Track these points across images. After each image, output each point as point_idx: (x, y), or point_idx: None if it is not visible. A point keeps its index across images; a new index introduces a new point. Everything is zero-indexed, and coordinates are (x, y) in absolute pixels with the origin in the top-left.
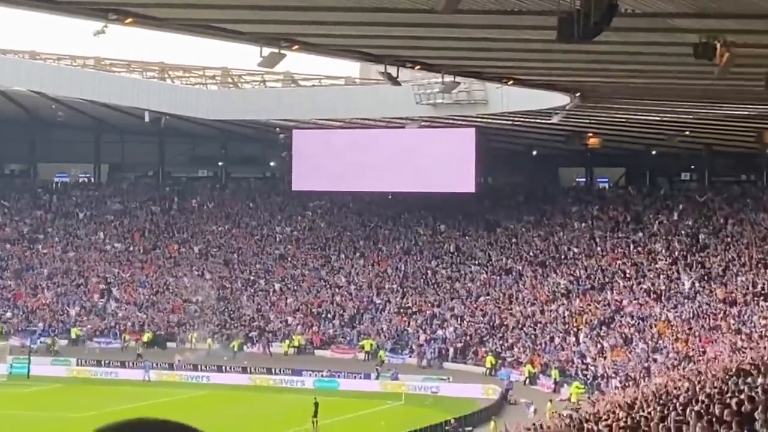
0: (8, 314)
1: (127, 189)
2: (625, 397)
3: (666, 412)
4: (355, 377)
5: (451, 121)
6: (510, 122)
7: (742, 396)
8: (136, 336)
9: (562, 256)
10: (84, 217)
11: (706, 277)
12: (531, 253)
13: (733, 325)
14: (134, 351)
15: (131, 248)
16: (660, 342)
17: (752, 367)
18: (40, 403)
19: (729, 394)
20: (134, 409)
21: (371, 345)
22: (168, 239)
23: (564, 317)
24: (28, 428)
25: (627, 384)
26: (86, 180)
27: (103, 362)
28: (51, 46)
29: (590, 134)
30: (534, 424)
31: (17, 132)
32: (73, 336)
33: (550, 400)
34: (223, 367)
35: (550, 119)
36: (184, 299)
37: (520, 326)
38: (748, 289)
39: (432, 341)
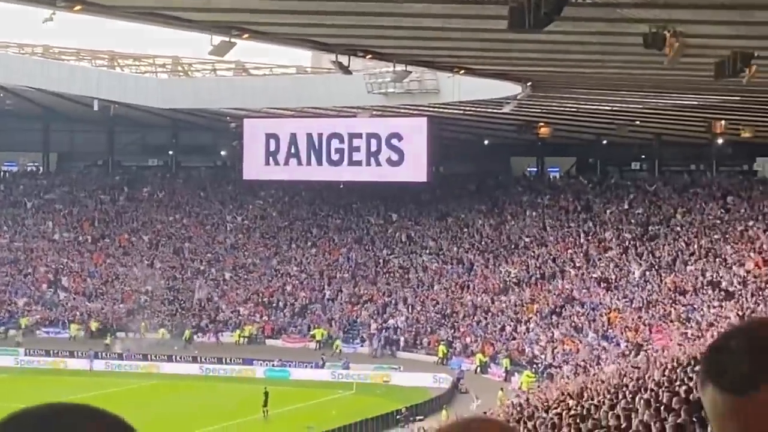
0: None
1: (76, 178)
2: (575, 385)
3: (615, 400)
4: (306, 366)
5: (402, 111)
6: (462, 112)
7: (691, 384)
8: (85, 326)
9: (514, 246)
10: (32, 207)
11: (655, 267)
12: (482, 243)
13: (683, 314)
14: (82, 341)
15: (80, 238)
16: (610, 331)
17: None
18: None
19: (678, 383)
20: (82, 399)
21: (323, 334)
22: (117, 229)
23: (515, 306)
24: None
25: (577, 372)
26: (34, 169)
27: (51, 352)
28: None
29: (541, 124)
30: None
31: None
32: (22, 326)
33: (501, 389)
34: (174, 357)
35: (501, 109)
36: (134, 289)
37: (471, 315)
38: (697, 278)
39: (383, 330)
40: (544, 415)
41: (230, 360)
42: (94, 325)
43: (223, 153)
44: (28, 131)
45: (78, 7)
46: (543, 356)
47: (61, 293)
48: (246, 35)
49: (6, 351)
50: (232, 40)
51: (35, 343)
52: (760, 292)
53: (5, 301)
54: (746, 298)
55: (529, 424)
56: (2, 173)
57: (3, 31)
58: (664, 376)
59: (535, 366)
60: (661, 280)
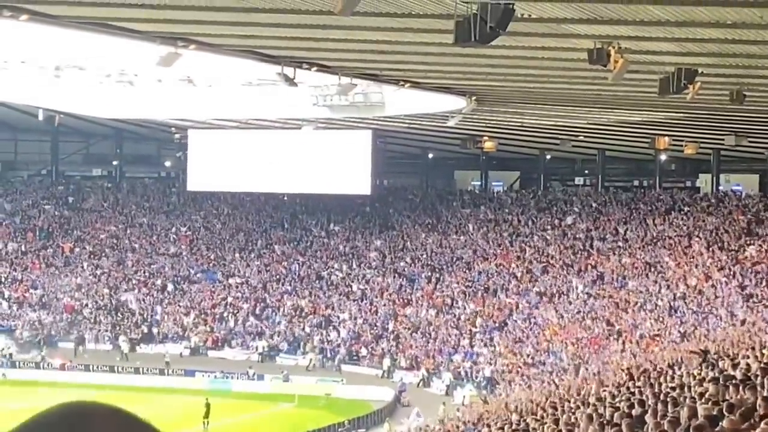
0: None
1: (19, 188)
2: (518, 400)
3: (558, 415)
4: (248, 378)
5: (347, 123)
6: (406, 125)
7: (633, 399)
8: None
9: (457, 259)
10: None
11: (598, 281)
12: (425, 256)
13: (625, 329)
14: (26, 349)
15: (23, 247)
16: (552, 345)
17: (642, 371)
18: None
19: (620, 398)
20: (21, 410)
21: (264, 347)
22: (61, 238)
23: (458, 320)
24: None
25: (520, 387)
26: None
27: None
28: None
29: (485, 138)
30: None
31: None
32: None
33: (443, 403)
34: (115, 368)
35: (446, 123)
36: (77, 299)
37: (414, 329)
38: (639, 293)
39: (326, 343)
40: (486, 430)
41: (172, 371)
42: (25, 335)
43: (167, 164)
44: None
45: (24, 17)
46: (485, 370)
47: (3, 303)
48: (192, 46)
49: None
50: (178, 51)
51: None
52: (702, 308)
53: None
54: (688, 314)
55: None
56: None
57: None
58: (606, 391)
59: (477, 380)
60: (603, 295)
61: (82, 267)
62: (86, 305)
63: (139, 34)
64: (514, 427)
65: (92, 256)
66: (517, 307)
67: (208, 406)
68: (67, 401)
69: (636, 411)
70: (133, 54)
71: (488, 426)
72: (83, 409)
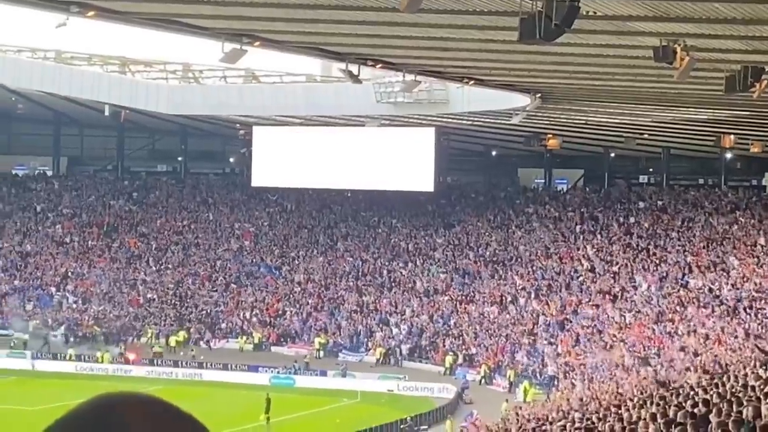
0: None
1: (85, 183)
2: (580, 397)
3: (620, 413)
4: (311, 374)
5: (410, 120)
6: (470, 122)
7: (697, 398)
8: (92, 330)
9: (520, 257)
10: (42, 210)
11: (662, 280)
12: (489, 253)
13: (689, 327)
14: (92, 344)
15: (89, 242)
16: (615, 343)
17: (707, 370)
18: None
19: (684, 396)
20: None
21: (321, 344)
22: (126, 233)
23: (520, 317)
24: None
25: (582, 385)
26: (45, 173)
27: (59, 356)
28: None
29: (550, 135)
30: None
31: None
32: (30, 329)
33: (506, 400)
34: (179, 363)
35: (510, 120)
36: (142, 294)
37: (476, 326)
38: (703, 292)
39: (388, 339)
40: (549, 427)
41: (235, 366)
42: (95, 330)
43: (231, 160)
44: (40, 135)
45: (91, 13)
46: (548, 368)
47: (69, 297)
48: (257, 43)
49: (14, 353)
50: (244, 47)
51: (44, 345)
52: (766, 308)
53: (14, 304)
54: (752, 314)
55: None
56: (13, 176)
57: (16, 35)
58: (669, 389)
59: (539, 378)
60: (667, 294)
61: (147, 262)
62: (151, 300)
63: (205, 30)
64: (576, 425)
65: (157, 251)
66: (580, 304)
67: (269, 401)
68: (101, 393)
69: (700, 410)
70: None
71: (551, 423)
72: (116, 400)
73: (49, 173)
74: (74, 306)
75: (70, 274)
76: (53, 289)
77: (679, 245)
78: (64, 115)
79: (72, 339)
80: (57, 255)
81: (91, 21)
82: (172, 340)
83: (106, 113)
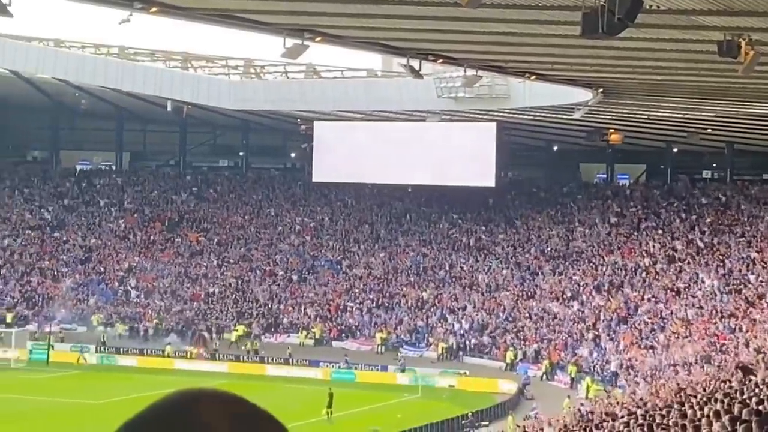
0: (29, 301)
1: (148, 178)
2: (643, 394)
3: (683, 410)
4: (372, 369)
5: (472, 115)
6: (531, 117)
7: (762, 396)
8: (155, 324)
9: (582, 252)
10: (105, 205)
11: (725, 276)
12: (550, 249)
13: (752, 324)
14: (154, 338)
15: (152, 237)
16: (678, 340)
17: None
18: (58, 389)
19: (749, 394)
20: (152, 396)
21: (383, 339)
22: (188, 228)
23: (582, 313)
24: (46, 414)
25: (644, 381)
26: (108, 168)
27: (121, 350)
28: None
29: (612, 130)
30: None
31: (41, 119)
32: (93, 323)
33: (568, 396)
34: (241, 357)
35: (571, 115)
36: (203, 288)
37: (538, 321)
38: (767, 288)
39: (449, 335)
40: (612, 423)
41: (296, 361)
42: (156, 323)
43: (293, 155)
44: (103, 131)
45: (154, 9)
46: (610, 364)
47: (132, 291)
48: (318, 38)
49: (77, 348)
50: (305, 42)
51: (107, 339)
52: None
53: (78, 298)
54: None
55: None
56: (77, 172)
57: (80, 31)
58: (734, 386)
59: (601, 374)
60: (730, 290)
61: (209, 257)
62: (212, 295)
63: (266, 26)
64: (639, 421)
65: (218, 246)
66: (643, 300)
67: (331, 395)
68: (180, 389)
69: (765, 407)
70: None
71: (613, 420)
72: (196, 397)
73: (112, 168)
74: (137, 300)
75: (132, 268)
76: (116, 284)
77: (743, 241)
78: (127, 110)
79: (135, 333)
80: (120, 249)
81: (154, 17)
82: (233, 335)
83: (169, 108)
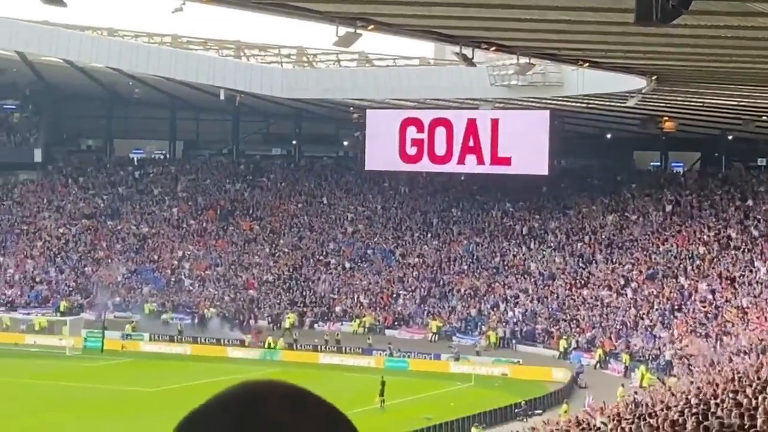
0: (83, 289)
1: (201, 166)
2: (697, 382)
3: (738, 399)
4: (425, 357)
5: (525, 103)
6: (585, 105)
7: None
8: (208, 312)
9: (635, 240)
10: (158, 194)
11: None
12: (604, 237)
13: None
14: (208, 326)
15: (205, 225)
16: (732, 328)
17: None
18: (112, 377)
19: None
20: (206, 384)
21: (438, 327)
22: (241, 216)
23: (636, 301)
24: (101, 402)
25: (699, 370)
26: (161, 157)
27: (175, 338)
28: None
29: (666, 118)
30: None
31: (94, 108)
32: (146, 312)
33: (622, 385)
34: (294, 345)
35: (625, 102)
36: (257, 276)
37: (591, 309)
38: None
39: (502, 323)
40: (666, 412)
41: (349, 349)
42: (210, 312)
43: (345, 143)
44: (156, 119)
45: None
46: (664, 352)
47: (185, 280)
48: (371, 26)
49: (131, 336)
50: (358, 31)
51: (160, 327)
52: None
53: (131, 286)
54: None
55: (651, 421)
56: (130, 160)
57: (133, 20)
58: None
59: (655, 362)
60: None
61: (262, 245)
62: (265, 283)
63: (319, 14)
64: (694, 410)
65: (271, 234)
66: (697, 289)
67: (383, 384)
68: (245, 381)
69: None
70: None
71: (668, 408)
72: (261, 388)
73: (166, 157)
74: (190, 289)
75: (186, 256)
76: (169, 272)
77: None
78: (180, 99)
79: (188, 321)
80: (173, 238)
81: (207, 6)
82: (286, 323)
83: (221, 97)
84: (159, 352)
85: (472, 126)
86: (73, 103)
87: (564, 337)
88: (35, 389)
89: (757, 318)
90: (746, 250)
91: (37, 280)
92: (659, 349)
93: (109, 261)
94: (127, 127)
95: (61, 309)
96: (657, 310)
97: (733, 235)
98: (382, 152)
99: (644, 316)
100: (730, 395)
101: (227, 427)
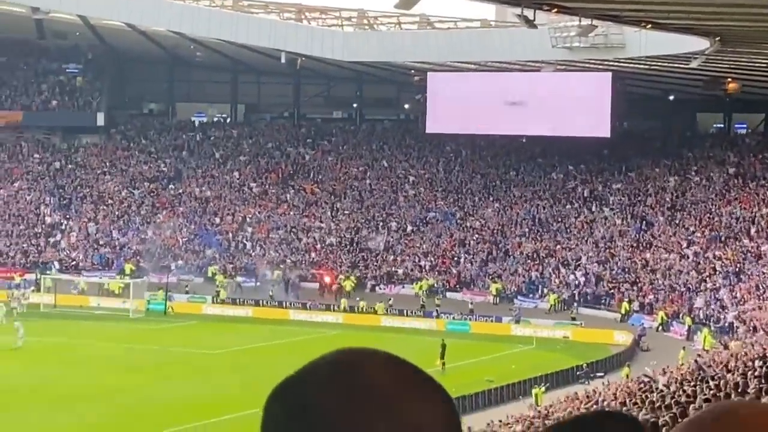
0: (146, 252)
1: (262, 130)
2: (760, 346)
3: None
4: (486, 320)
5: (587, 65)
6: (647, 66)
7: None
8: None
9: (698, 203)
10: (220, 157)
11: None
12: (666, 199)
13: None
14: (270, 289)
15: (266, 188)
16: None
17: None
18: (176, 340)
19: None
20: (268, 347)
21: (498, 289)
22: (302, 180)
23: (698, 264)
24: (164, 364)
25: (762, 333)
26: (223, 120)
27: (237, 300)
28: None
29: (729, 79)
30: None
31: (156, 72)
32: (209, 275)
33: (683, 348)
34: (355, 308)
35: (688, 64)
36: (318, 239)
37: (653, 272)
38: None
39: (564, 286)
40: (728, 375)
41: (411, 312)
42: (276, 275)
43: (406, 106)
44: (217, 83)
45: None
46: (726, 315)
47: (247, 243)
48: None
49: (194, 298)
50: None
51: (222, 290)
52: None
53: (194, 249)
54: None
55: (712, 384)
56: (192, 124)
57: None
58: None
59: (717, 326)
60: None
61: (323, 208)
62: (327, 246)
63: None
64: (757, 372)
65: (333, 197)
66: (760, 251)
67: (444, 346)
68: (340, 349)
69: None
70: None
71: (730, 372)
72: (357, 356)
73: (227, 121)
74: (252, 252)
75: (247, 219)
76: (231, 235)
77: None
78: (242, 62)
79: (250, 284)
80: (235, 201)
81: None
82: (346, 285)
83: (283, 61)
84: (221, 315)
85: (533, 88)
86: (136, 66)
87: (626, 299)
88: (102, 352)
89: None
90: None
91: (101, 243)
92: (722, 311)
93: (171, 224)
94: (189, 90)
95: (126, 272)
96: (720, 272)
97: None
98: (442, 115)
99: (707, 278)
100: None
101: (324, 392)
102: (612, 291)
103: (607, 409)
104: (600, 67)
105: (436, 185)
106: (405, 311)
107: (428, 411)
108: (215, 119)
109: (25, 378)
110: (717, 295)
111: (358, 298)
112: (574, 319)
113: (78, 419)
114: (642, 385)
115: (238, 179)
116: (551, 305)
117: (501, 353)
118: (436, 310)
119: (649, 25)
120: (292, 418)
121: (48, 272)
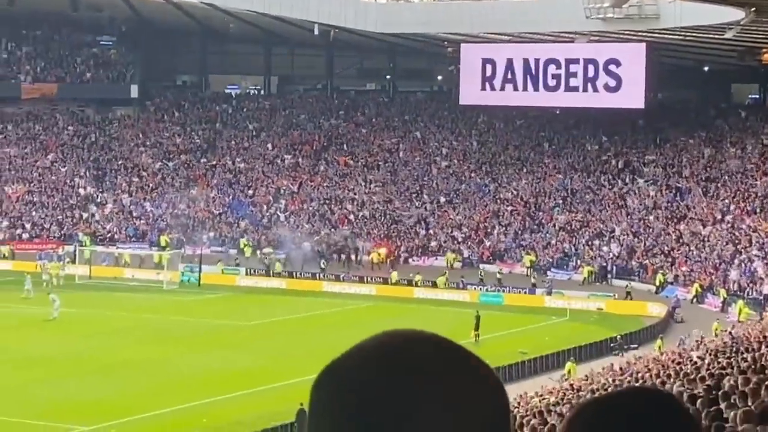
0: (179, 224)
1: (295, 102)
2: None
3: None
4: (519, 292)
5: (621, 36)
6: (681, 37)
7: None
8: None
9: (733, 174)
10: (254, 129)
11: None
12: (701, 170)
13: None
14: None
15: (299, 160)
16: None
17: None
18: (210, 311)
19: None
20: (302, 318)
21: (532, 261)
22: (335, 152)
23: (733, 235)
24: (198, 335)
25: None
26: (256, 92)
27: (271, 272)
28: None
29: (765, 50)
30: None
31: (189, 44)
32: (242, 246)
33: (717, 320)
34: (388, 280)
35: (723, 34)
36: (351, 211)
37: (688, 244)
38: None
39: (598, 258)
40: (763, 348)
41: (444, 284)
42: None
43: (439, 78)
44: (251, 55)
45: None
46: (762, 287)
47: (280, 215)
48: None
49: (228, 270)
50: None
51: (256, 262)
52: None
53: (227, 222)
54: None
55: (747, 356)
56: (225, 96)
57: None
58: None
59: (752, 298)
60: None
61: (356, 180)
62: (360, 217)
63: None
64: None
65: (366, 168)
66: None
67: (478, 318)
68: (387, 331)
69: None
70: None
71: (764, 344)
72: (406, 338)
73: (261, 92)
74: (285, 223)
75: (281, 191)
76: (264, 207)
77: None
78: (275, 34)
79: (283, 256)
80: (268, 173)
81: None
82: (375, 257)
83: (316, 32)
84: (255, 287)
85: (567, 60)
86: (169, 38)
87: (660, 271)
88: (137, 323)
89: None
90: None
91: (135, 215)
92: (757, 283)
93: (205, 196)
94: (222, 62)
95: (162, 243)
96: (755, 244)
97: None
98: (476, 87)
99: (742, 250)
100: None
101: (374, 376)
102: (646, 262)
103: (638, 386)
104: (634, 38)
105: (469, 157)
106: (436, 283)
107: (477, 394)
108: (248, 91)
109: (61, 348)
110: (752, 267)
111: (389, 270)
112: (629, 293)
113: (116, 389)
114: (676, 357)
115: (271, 151)
116: (585, 277)
117: (534, 325)
118: (462, 281)
119: None
120: (341, 401)
121: (82, 245)
